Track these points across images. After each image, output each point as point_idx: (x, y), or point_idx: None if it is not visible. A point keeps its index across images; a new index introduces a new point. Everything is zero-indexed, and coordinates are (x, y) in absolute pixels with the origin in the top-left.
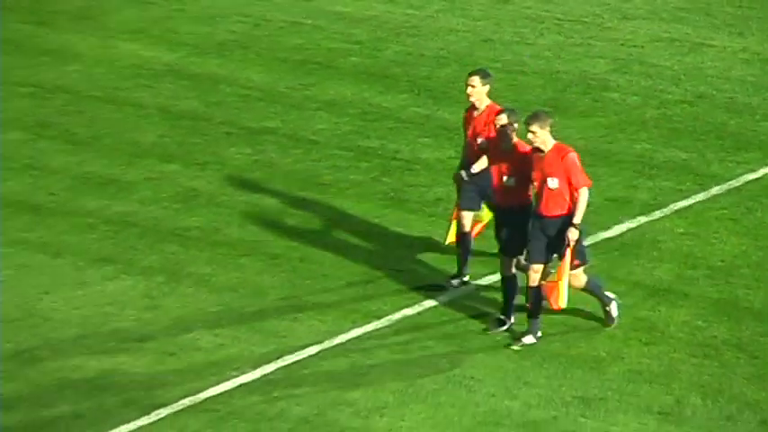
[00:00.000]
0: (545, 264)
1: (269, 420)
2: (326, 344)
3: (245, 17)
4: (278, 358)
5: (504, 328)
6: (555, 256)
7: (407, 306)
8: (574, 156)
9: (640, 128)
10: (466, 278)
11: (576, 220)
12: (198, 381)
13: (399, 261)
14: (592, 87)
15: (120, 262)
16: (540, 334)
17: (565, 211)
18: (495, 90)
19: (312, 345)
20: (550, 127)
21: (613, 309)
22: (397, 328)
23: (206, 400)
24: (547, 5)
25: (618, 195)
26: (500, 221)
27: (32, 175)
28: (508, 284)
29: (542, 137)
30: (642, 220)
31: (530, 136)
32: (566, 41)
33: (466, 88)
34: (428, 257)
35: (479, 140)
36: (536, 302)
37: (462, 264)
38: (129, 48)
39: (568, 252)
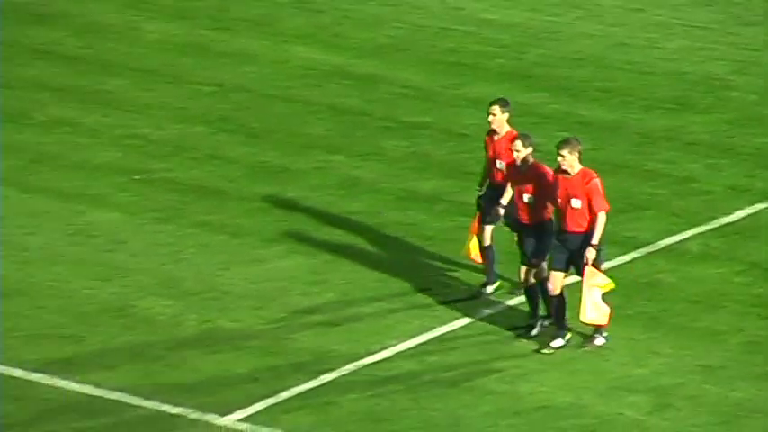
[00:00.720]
0: (564, 272)
1: (423, 384)
2: (476, 316)
3: (403, 24)
4: (431, 329)
5: (535, 332)
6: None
7: None
8: (597, 181)
9: (758, 123)
10: (496, 285)
11: (594, 240)
12: (360, 348)
13: None
14: (714, 87)
15: (291, 242)
16: (568, 336)
17: (585, 229)
18: (628, 89)
19: (462, 317)
20: (579, 153)
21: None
22: None
23: (367, 366)
24: (675, 13)
25: (738, 184)
26: (523, 236)
27: (214, 164)
28: (531, 292)
29: (570, 161)
30: (760, 206)
31: (559, 159)
32: (691, 45)
33: (488, 116)
34: None
35: (498, 162)
36: (559, 309)
37: (489, 273)
38: (299, 51)
39: (587, 269)
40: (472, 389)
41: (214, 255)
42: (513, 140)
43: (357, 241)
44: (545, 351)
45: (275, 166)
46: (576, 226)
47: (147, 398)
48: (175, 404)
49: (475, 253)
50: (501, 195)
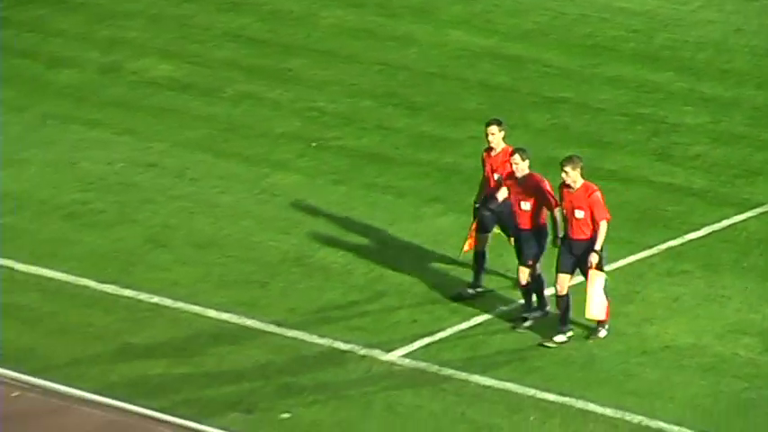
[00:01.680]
0: (570, 275)
1: (545, 329)
2: (609, 267)
3: (547, 11)
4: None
5: (528, 324)
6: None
7: (672, 238)
8: (598, 194)
9: None
10: (480, 289)
11: (597, 246)
12: (507, 294)
13: (667, 203)
14: None
15: (448, 202)
16: (570, 333)
17: (587, 236)
18: (744, 69)
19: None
20: (581, 169)
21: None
22: (663, 257)
23: (513, 310)
24: None
25: None
26: (521, 240)
27: (381, 134)
28: (527, 290)
29: (573, 176)
30: None
31: (563, 174)
32: None
33: (486, 135)
34: (689, 201)
35: (496, 176)
36: (565, 308)
37: (477, 276)
38: (456, 35)
39: (591, 272)
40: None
41: (381, 212)
42: (510, 155)
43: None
44: (548, 344)
45: (434, 136)
46: (579, 233)
47: (321, 336)
48: (346, 342)
49: (466, 250)
50: (500, 210)
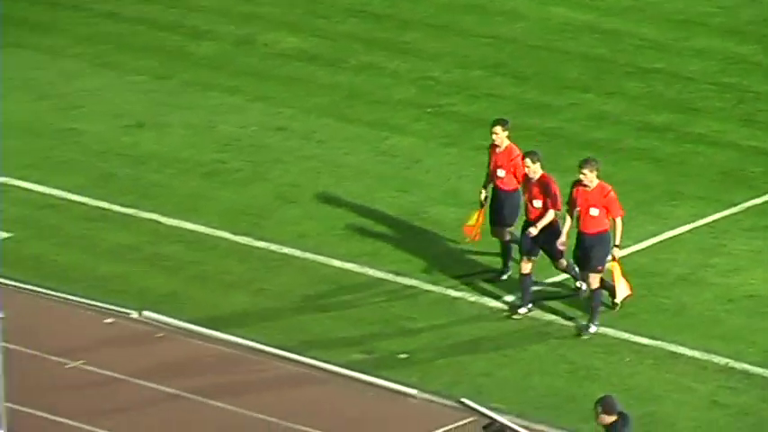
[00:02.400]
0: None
1: (654, 277)
2: (697, 223)
3: None
4: (660, 234)
5: (523, 311)
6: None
7: (755, 197)
8: (613, 193)
9: None
10: (509, 273)
11: (617, 241)
12: None
13: (751, 165)
14: None
15: (550, 162)
16: (598, 323)
17: (597, 231)
18: None
19: (685, 224)
20: (598, 170)
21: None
22: (747, 214)
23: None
24: None
25: None
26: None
27: (489, 101)
28: (528, 280)
29: (590, 177)
30: None
31: (581, 176)
32: None
33: (491, 135)
34: None
35: (499, 171)
36: (597, 302)
37: (506, 262)
38: (559, 10)
39: (614, 264)
40: (694, 282)
41: None
42: (516, 156)
43: (602, 162)
44: (584, 336)
45: (538, 103)
46: (592, 228)
47: (434, 284)
48: (457, 290)
49: (469, 231)
50: (503, 201)
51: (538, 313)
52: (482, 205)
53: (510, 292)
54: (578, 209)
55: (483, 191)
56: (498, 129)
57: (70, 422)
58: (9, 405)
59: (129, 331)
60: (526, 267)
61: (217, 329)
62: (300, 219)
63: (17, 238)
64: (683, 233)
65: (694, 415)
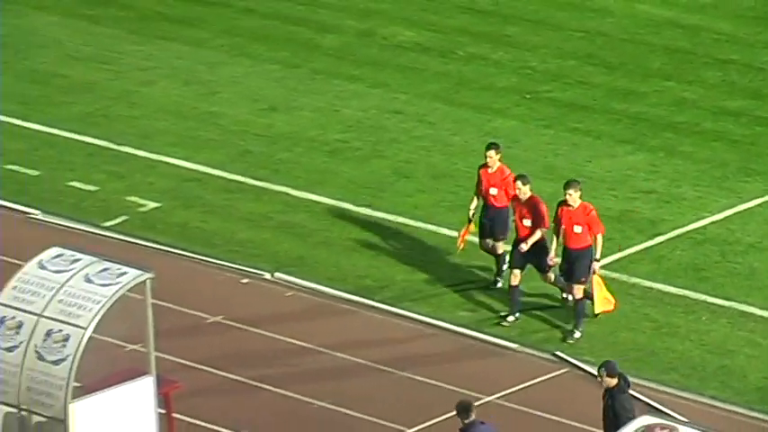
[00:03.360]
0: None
1: (729, 245)
2: (767, 197)
3: None
4: (736, 206)
5: (511, 319)
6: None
7: None
8: (594, 212)
9: None
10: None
11: (598, 255)
12: (683, 219)
13: None
14: None
15: (636, 143)
16: (582, 329)
17: (581, 246)
18: None
19: (757, 198)
20: (580, 191)
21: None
22: None
23: (688, 231)
24: None
25: None
26: (519, 250)
27: (582, 88)
28: (516, 292)
29: (574, 198)
30: None
31: (567, 196)
32: None
33: (485, 158)
34: None
35: (492, 190)
36: (579, 309)
37: (499, 271)
38: (644, 7)
39: (595, 277)
40: (763, 249)
41: (582, 151)
42: (508, 176)
43: (682, 143)
44: (569, 341)
45: (625, 89)
46: (576, 244)
47: None
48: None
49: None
50: (494, 216)
51: (624, 277)
52: (470, 221)
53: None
54: (563, 227)
55: (471, 209)
56: (492, 153)
57: (210, 369)
58: (157, 354)
59: (262, 290)
60: (515, 280)
61: (338, 289)
62: (413, 192)
63: (165, 208)
64: (754, 206)
65: (763, 367)
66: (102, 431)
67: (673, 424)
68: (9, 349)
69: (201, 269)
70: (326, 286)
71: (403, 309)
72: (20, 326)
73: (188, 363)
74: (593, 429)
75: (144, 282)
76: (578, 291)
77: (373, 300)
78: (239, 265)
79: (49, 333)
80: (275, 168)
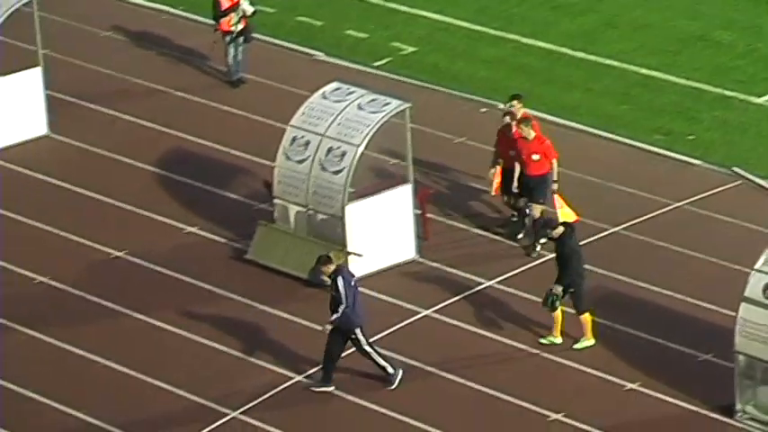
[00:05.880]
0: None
1: None
2: None
3: None
4: None
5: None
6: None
7: None
8: (549, 141)
9: None
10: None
11: (555, 177)
12: None
13: None
14: None
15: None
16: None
17: (543, 172)
18: None
19: None
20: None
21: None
22: None
23: None
24: None
25: None
26: (527, 184)
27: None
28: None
29: (527, 131)
30: None
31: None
32: None
33: (505, 115)
34: None
35: (511, 152)
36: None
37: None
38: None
39: (556, 196)
40: None
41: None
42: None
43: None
44: (533, 255)
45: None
46: (536, 171)
47: (716, 87)
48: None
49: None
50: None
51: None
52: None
53: None
54: (523, 156)
55: (492, 170)
56: (515, 102)
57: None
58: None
59: (496, 116)
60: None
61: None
62: (620, 39)
63: (421, 52)
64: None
65: None
66: (370, 227)
67: None
68: (299, 162)
69: (449, 100)
70: (549, 114)
71: (604, 131)
72: (307, 143)
73: (433, 173)
74: (763, 229)
75: (404, 110)
76: (537, 210)
77: (593, 127)
78: (480, 97)
79: (329, 149)
80: (508, 20)
